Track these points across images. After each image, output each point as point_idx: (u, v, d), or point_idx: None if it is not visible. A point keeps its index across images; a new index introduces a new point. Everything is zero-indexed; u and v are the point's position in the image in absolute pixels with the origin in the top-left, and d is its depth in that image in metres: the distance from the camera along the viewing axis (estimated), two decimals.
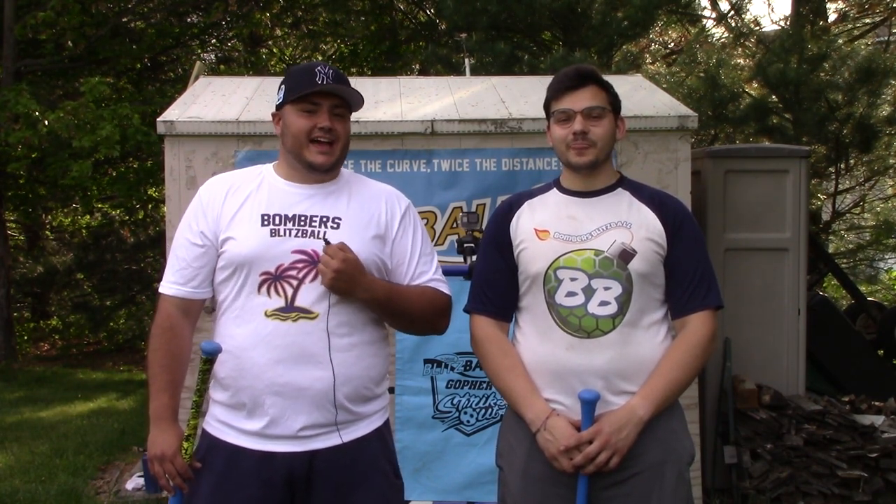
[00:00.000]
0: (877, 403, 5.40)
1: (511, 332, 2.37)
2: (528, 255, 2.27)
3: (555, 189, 2.37)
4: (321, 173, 2.24)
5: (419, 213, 4.40)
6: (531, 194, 2.40)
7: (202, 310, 2.30)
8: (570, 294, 2.20)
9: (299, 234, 2.18)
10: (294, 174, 2.27)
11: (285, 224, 2.19)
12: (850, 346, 6.10)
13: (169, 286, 2.25)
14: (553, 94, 2.31)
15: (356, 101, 2.27)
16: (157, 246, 12.34)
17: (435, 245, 4.28)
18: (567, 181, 2.35)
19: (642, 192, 2.32)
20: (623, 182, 2.34)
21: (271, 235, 2.17)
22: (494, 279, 2.33)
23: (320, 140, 2.20)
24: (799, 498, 4.73)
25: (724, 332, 4.98)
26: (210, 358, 2.13)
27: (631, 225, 2.24)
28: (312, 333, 2.13)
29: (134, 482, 5.30)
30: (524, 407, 2.21)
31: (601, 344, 2.18)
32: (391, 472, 2.28)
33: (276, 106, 2.30)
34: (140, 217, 13.33)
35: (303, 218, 2.20)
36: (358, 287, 2.14)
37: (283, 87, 2.28)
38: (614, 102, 2.32)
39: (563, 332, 2.20)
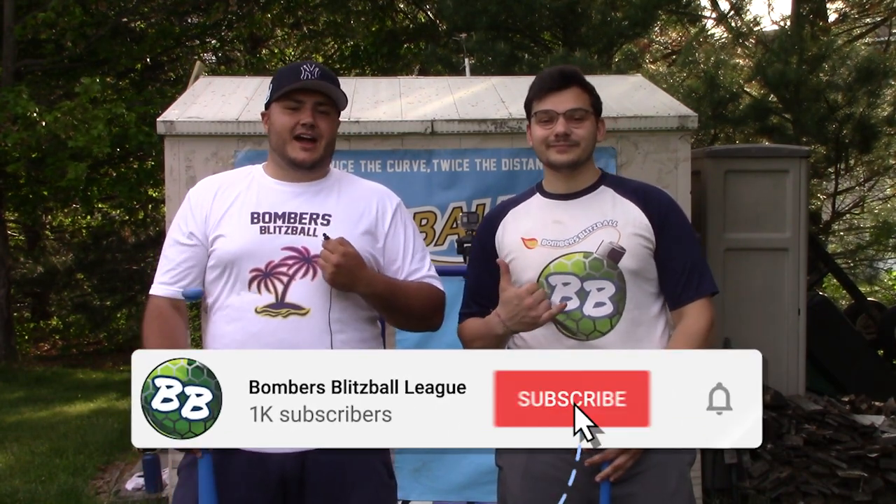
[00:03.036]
0: (877, 403, 5.40)
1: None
2: (519, 265, 2.25)
3: (538, 194, 2.35)
4: (305, 170, 2.24)
5: (419, 213, 4.35)
6: (514, 202, 2.38)
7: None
8: (565, 299, 2.19)
9: (289, 230, 2.18)
10: (282, 172, 2.27)
11: (275, 221, 2.19)
12: (850, 346, 6.10)
13: (159, 287, 2.24)
14: (535, 95, 2.29)
15: (339, 99, 2.26)
16: (157, 246, 12.25)
17: (435, 245, 4.28)
18: (549, 184, 2.33)
19: (625, 187, 2.31)
20: (605, 179, 2.33)
21: (261, 232, 2.17)
22: (485, 292, 2.29)
23: (303, 137, 2.20)
24: (799, 498, 4.73)
25: (725, 332, 4.98)
26: (194, 303, 2.11)
27: (617, 223, 2.23)
28: (303, 330, 2.13)
29: (134, 482, 5.29)
30: (489, 335, 2.20)
31: (601, 345, 2.17)
32: (385, 472, 2.27)
33: (265, 105, 2.30)
34: (140, 217, 13.32)
35: (293, 215, 2.20)
36: (359, 282, 2.13)
37: (271, 86, 2.28)
38: (596, 104, 2.30)
39: (562, 337, 2.20)
